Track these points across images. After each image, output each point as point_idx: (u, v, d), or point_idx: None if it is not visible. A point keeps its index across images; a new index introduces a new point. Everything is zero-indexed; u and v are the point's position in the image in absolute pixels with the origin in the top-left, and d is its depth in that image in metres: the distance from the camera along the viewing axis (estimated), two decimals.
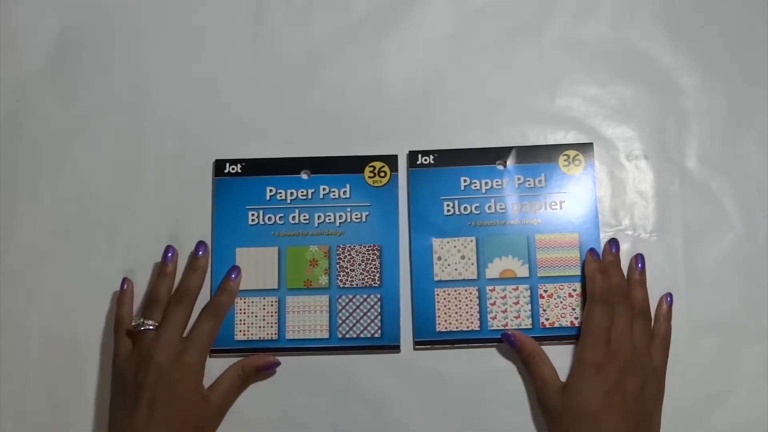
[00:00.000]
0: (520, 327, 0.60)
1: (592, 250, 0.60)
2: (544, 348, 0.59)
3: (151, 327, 0.57)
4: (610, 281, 0.58)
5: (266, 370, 0.59)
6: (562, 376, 0.58)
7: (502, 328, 0.60)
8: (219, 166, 0.63)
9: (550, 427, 0.56)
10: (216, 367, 0.59)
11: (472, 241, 0.61)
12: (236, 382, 0.58)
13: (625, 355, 0.55)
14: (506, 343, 0.58)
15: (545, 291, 0.60)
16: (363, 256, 0.61)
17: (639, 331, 0.56)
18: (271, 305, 0.61)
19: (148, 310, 0.58)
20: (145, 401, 0.53)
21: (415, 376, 0.60)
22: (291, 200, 0.62)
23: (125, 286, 0.60)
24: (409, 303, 0.61)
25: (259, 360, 0.59)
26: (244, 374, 0.58)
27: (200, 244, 0.60)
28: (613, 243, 0.60)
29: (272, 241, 0.61)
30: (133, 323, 0.57)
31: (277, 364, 0.59)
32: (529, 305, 0.60)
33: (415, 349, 0.60)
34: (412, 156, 0.63)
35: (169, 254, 0.60)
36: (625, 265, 0.60)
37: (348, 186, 0.62)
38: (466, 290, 0.61)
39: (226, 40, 0.66)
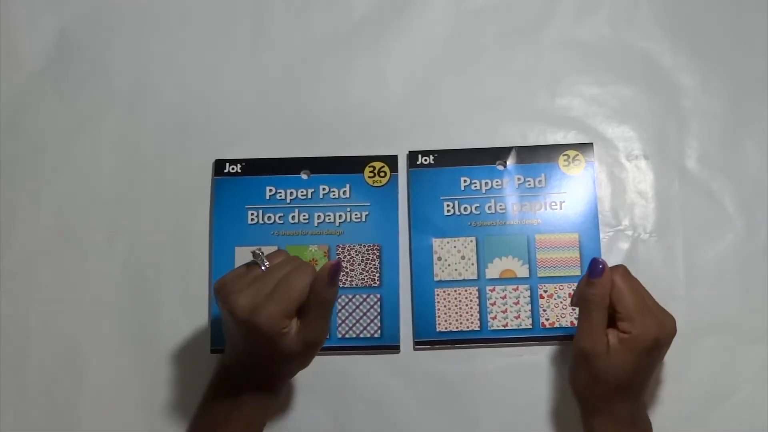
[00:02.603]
0: (520, 327, 0.60)
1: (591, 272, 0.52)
2: (544, 348, 0.60)
3: (263, 267, 0.52)
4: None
5: (336, 278, 0.51)
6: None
7: (502, 328, 0.60)
8: (219, 165, 0.63)
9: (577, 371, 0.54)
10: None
11: (472, 241, 0.61)
12: (320, 311, 0.51)
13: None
14: (590, 268, 0.51)
15: (545, 291, 0.60)
16: (363, 256, 0.61)
17: None
18: None
19: (274, 254, 0.53)
20: (230, 338, 0.54)
21: (415, 376, 0.60)
22: (291, 200, 0.62)
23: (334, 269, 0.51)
24: (409, 303, 0.61)
25: (324, 272, 0.51)
26: (320, 297, 0.51)
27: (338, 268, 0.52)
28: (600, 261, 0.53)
29: (272, 241, 0.61)
30: (254, 252, 0.53)
31: (340, 264, 0.53)
32: (529, 305, 0.60)
33: (415, 349, 0.60)
34: (412, 156, 0.63)
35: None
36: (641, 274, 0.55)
37: (348, 186, 0.62)
38: (466, 290, 0.60)
39: (226, 40, 0.66)
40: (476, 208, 0.62)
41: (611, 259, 0.61)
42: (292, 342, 0.51)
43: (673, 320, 0.52)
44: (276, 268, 0.52)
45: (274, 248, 0.61)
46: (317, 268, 0.51)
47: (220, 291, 0.51)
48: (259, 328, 0.49)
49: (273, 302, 0.50)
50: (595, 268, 0.51)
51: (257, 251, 0.53)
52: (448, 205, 0.62)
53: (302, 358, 0.54)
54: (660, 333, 0.51)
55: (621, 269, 0.53)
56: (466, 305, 0.60)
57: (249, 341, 0.51)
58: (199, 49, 0.66)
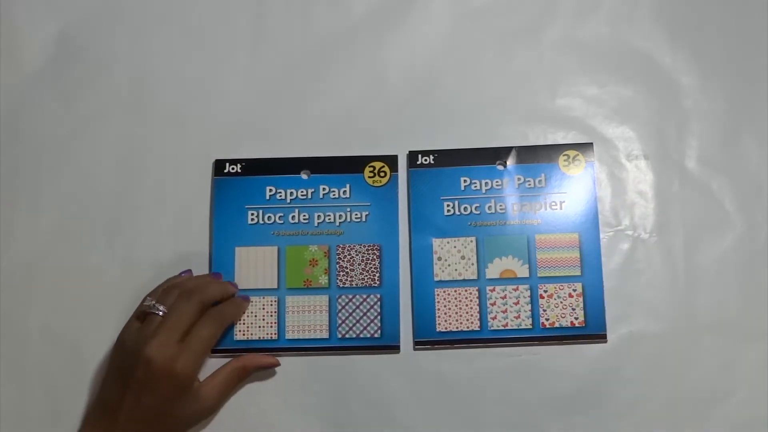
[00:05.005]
0: (520, 327, 0.60)
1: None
2: (544, 347, 0.60)
3: (159, 313, 0.55)
4: None
5: (265, 369, 0.60)
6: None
7: (502, 328, 0.60)
8: (219, 165, 0.63)
9: None
10: (215, 366, 0.59)
11: (472, 241, 0.61)
12: (233, 381, 0.58)
13: None
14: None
15: (545, 291, 0.60)
16: (363, 256, 0.61)
17: None
18: (271, 305, 0.61)
19: (164, 295, 0.56)
20: (133, 392, 0.53)
21: (415, 376, 0.60)
22: (291, 200, 0.62)
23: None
24: (409, 303, 0.61)
25: (259, 360, 0.59)
26: (244, 373, 0.58)
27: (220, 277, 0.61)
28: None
29: (272, 241, 0.61)
30: (144, 303, 0.56)
31: (276, 364, 0.59)
32: (529, 305, 0.60)
33: (415, 349, 0.60)
34: (412, 156, 0.63)
35: (183, 273, 0.61)
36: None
37: (348, 186, 0.62)
38: (466, 290, 0.60)
39: (226, 40, 0.66)
40: (476, 208, 0.62)
41: (612, 259, 0.61)
42: (197, 394, 0.55)
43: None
44: (174, 310, 0.55)
45: (274, 249, 0.61)
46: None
47: (125, 346, 0.55)
48: (176, 376, 0.53)
49: (188, 350, 0.54)
50: None
51: (146, 301, 0.56)
52: (448, 205, 0.62)
53: (189, 420, 0.56)
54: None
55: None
56: (466, 305, 0.60)
57: (153, 393, 0.53)
58: (199, 48, 0.66)
